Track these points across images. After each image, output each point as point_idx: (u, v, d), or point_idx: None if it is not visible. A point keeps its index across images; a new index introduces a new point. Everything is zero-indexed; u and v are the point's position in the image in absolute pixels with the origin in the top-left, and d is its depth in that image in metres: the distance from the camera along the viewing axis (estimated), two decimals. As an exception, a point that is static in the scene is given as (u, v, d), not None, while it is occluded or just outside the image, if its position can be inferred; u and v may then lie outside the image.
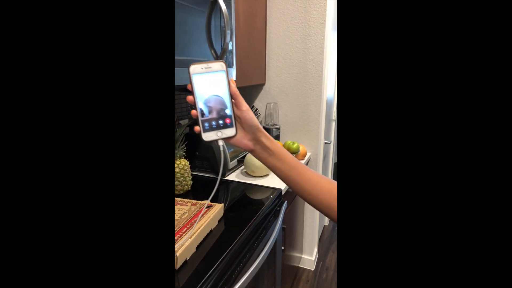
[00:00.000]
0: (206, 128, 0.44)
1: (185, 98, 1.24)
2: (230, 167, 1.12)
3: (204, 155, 1.11)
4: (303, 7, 1.31)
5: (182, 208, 0.76)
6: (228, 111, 0.45)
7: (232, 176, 1.12)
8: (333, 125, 1.96)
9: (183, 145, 0.94)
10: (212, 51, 0.82)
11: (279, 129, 1.43)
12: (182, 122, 1.20)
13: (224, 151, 1.09)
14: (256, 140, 0.47)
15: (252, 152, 0.48)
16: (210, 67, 0.44)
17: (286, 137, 1.48)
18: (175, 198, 0.82)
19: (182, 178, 0.91)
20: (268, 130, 1.40)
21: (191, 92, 0.43)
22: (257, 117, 1.48)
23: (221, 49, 0.85)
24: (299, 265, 1.63)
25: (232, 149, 1.16)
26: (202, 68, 0.43)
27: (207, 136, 0.44)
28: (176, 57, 0.70)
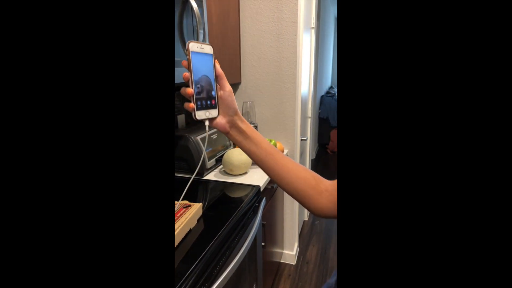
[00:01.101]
0: (199, 106, 0.45)
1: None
2: (208, 166, 1.12)
3: (181, 156, 1.10)
4: (276, 7, 1.33)
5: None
6: (214, 92, 0.47)
7: (211, 176, 1.12)
8: (309, 122, 2.01)
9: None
10: (185, 51, 0.82)
11: (256, 127, 1.45)
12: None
13: (200, 150, 1.08)
14: (233, 123, 0.48)
15: (227, 134, 0.49)
16: (203, 48, 0.45)
17: (264, 134, 1.50)
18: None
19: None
20: (245, 128, 1.41)
21: (188, 69, 0.43)
22: (234, 116, 1.48)
23: (194, 48, 0.85)
24: (281, 261, 1.66)
25: (210, 149, 1.15)
26: (197, 48, 0.44)
27: (199, 115, 0.45)
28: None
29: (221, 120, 0.48)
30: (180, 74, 0.81)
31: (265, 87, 1.45)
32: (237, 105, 0.49)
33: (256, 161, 0.49)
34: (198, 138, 1.09)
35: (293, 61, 1.38)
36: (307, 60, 1.76)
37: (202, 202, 0.89)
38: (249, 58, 1.43)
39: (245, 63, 1.45)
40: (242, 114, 1.44)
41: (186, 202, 0.80)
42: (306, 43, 1.66)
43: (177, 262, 0.61)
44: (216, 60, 0.47)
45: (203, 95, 0.45)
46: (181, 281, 0.55)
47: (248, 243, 0.83)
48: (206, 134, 0.50)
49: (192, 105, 0.44)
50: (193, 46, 0.43)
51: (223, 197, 0.94)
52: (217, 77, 0.47)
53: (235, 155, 1.10)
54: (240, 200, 0.91)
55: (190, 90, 0.44)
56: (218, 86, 0.47)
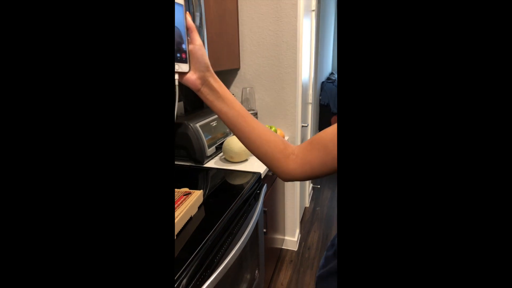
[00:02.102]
0: None
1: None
2: (209, 154, 1.11)
3: (180, 144, 1.08)
4: (275, -12, 1.28)
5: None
6: (184, 46, 0.44)
7: (211, 163, 1.11)
8: (310, 108, 1.99)
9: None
10: None
11: (256, 114, 1.43)
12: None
13: (200, 138, 1.07)
14: (204, 80, 0.46)
15: (198, 92, 0.47)
16: None
17: (264, 121, 1.48)
18: (152, 188, 0.80)
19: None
20: (245, 115, 1.39)
21: None
22: (234, 103, 1.46)
23: (191, 31, 0.82)
24: (282, 247, 1.68)
25: (209, 136, 1.14)
26: None
27: None
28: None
29: (192, 76, 0.45)
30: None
31: (264, 72, 1.42)
32: (209, 61, 0.46)
33: (227, 123, 0.48)
34: (198, 125, 1.07)
35: (293, 45, 1.34)
36: (308, 44, 1.71)
37: (202, 189, 0.89)
38: (248, 43, 1.39)
39: (244, 48, 1.41)
40: (242, 101, 1.42)
41: (186, 189, 0.79)
42: (307, 26, 1.61)
43: (178, 249, 0.60)
44: (187, 13, 0.44)
45: (176, 47, 0.43)
46: (182, 268, 0.55)
47: (249, 230, 0.82)
48: (176, 89, 0.47)
49: None
50: None
51: (224, 184, 0.94)
52: (187, 29, 0.44)
53: (235, 142, 1.08)
54: (241, 187, 0.90)
55: None
56: (188, 39, 0.45)
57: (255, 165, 1.09)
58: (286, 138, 1.44)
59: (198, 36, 0.45)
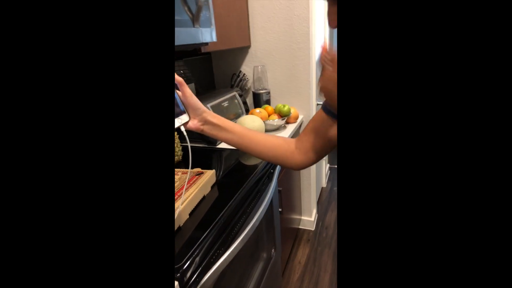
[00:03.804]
0: None
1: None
2: (221, 135, 1.10)
3: (192, 125, 1.07)
4: (284, -44, 1.21)
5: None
6: (178, 101, 0.51)
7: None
8: (325, 86, 1.91)
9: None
10: (186, 8, 0.76)
11: (269, 93, 1.39)
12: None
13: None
14: (205, 120, 0.53)
15: (203, 132, 0.54)
16: None
17: (277, 100, 1.44)
18: (165, 169, 0.80)
19: (171, 149, 0.89)
20: (258, 95, 1.36)
21: None
22: (246, 82, 1.43)
23: (196, 5, 0.79)
24: (299, 227, 1.68)
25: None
26: None
27: (175, 123, 0.49)
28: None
29: (193, 122, 0.52)
30: (181, 36, 0.76)
31: (276, 49, 1.36)
32: (201, 104, 0.53)
33: (235, 146, 0.55)
34: (209, 105, 1.06)
35: (305, 18, 1.27)
36: (321, 16, 1.62)
37: (216, 170, 0.88)
38: (258, 19, 1.33)
39: (254, 25, 1.35)
40: (254, 80, 1.38)
41: (198, 169, 0.79)
42: (320, -3, 1.51)
43: (192, 228, 0.60)
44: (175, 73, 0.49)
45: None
46: (195, 246, 0.55)
47: (263, 209, 0.81)
48: (184, 132, 0.53)
49: None
50: None
51: (237, 164, 0.92)
52: (178, 84, 0.50)
53: (248, 122, 1.06)
54: (254, 167, 0.88)
55: None
56: (180, 93, 0.51)
57: (268, 145, 1.07)
58: (301, 117, 1.40)
59: (187, 87, 0.51)
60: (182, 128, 0.51)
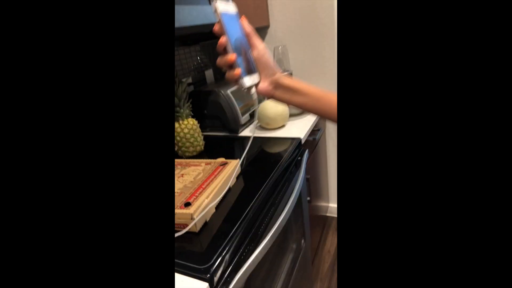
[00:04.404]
0: (244, 73, 0.40)
1: (184, 54, 1.13)
2: (243, 122, 1.04)
3: (213, 114, 1.03)
4: None
5: (196, 169, 0.70)
6: (250, 55, 0.42)
7: (246, 132, 1.05)
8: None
9: (188, 103, 0.86)
10: (214, 13, 0.69)
11: (291, 74, 1.30)
12: (183, 80, 1.10)
13: (232, 105, 1.00)
14: (276, 82, 0.43)
15: (273, 97, 0.45)
16: (228, 7, 0.40)
17: (300, 83, 1.35)
18: (188, 160, 0.76)
19: (192, 138, 0.85)
20: (279, 78, 1.28)
21: (220, 33, 0.39)
22: (266, 66, 1.35)
23: (211, -19, 0.72)
24: (327, 214, 1.62)
25: (242, 103, 1.06)
26: (225, 7, 0.39)
27: (247, 81, 0.40)
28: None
29: (264, 84, 0.43)
30: (194, 15, 0.69)
31: (298, 27, 1.26)
32: (273, 62, 0.44)
33: (311, 111, 0.46)
34: (229, 91, 1.00)
35: (329, -11, 1.16)
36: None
37: (239, 159, 0.83)
38: (277, -5, 1.24)
39: (272, 2, 1.26)
40: (275, 62, 1.30)
41: (222, 159, 0.74)
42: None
43: (219, 222, 0.56)
44: (243, 16, 0.42)
45: (243, 59, 0.40)
46: (225, 242, 0.51)
47: (293, 199, 0.76)
48: (254, 95, 0.44)
49: (238, 71, 0.39)
50: (220, 5, 0.38)
51: (262, 153, 0.87)
52: (247, 35, 0.42)
53: (270, 107, 0.99)
54: (280, 155, 0.83)
55: (231, 57, 0.39)
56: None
57: (293, 131, 1.00)
58: (326, 99, 1.30)
59: (259, 39, 0.43)
60: (253, 91, 0.42)
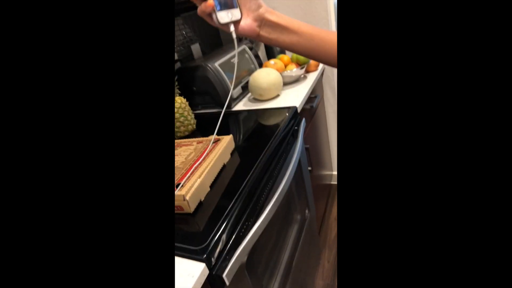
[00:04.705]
0: (219, 6, 0.35)
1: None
2: (235, 95, 0.99)
3: (203, 90, 0.98)
4: None
5: (188, 149, 0.67)
6: None
7: (240, 106, 1.00)
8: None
9: (175, 81, 0.81)
10: None
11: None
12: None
13: (222, 79, 0.94)
14: (261, 19, 0.37)
15: (258, 37, 0.38)
16: None
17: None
18: (179, 141, 0.73)
19: (182, 118, 0.81)
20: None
21: None
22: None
23: None
24: (331, 182, 1.61)
25: (232, 76, 1.01)
26: None
27: (222, 17, 0.35)
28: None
29: (246, 21, 0.37)
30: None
31: None
32: None
33: (303, 52, 0.40)
34: (217, 64, 0.94)
35: None
36: None
37: (234, 135, 0.80)
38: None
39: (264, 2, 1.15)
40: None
41: (215, 136, 0.70)
42: None
43: (214, 202, 0.54)
44: None
45: None
46: (221, 220, 0.48)
47: (291, 170, 0.73)
48: (233, 34, 0.38)
49: (211, 2, 0.34)
50: None
51: (257, 126, 0.83)
52: None
53: (262, 77, 0.94)
54: (276, 126, 0.79)
55: None
56: None
57: (289, 99, 0.95)
58: (320, 66, 1.24)
59: None
60: (232, 29, 0.37)
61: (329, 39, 0.39)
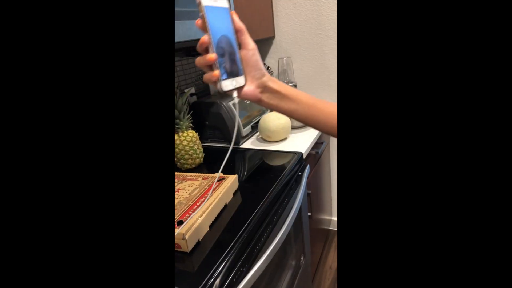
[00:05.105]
0: (223, 75, 0.36)
1: (188, 64, 1.13)
2: (244, 134, 1.03)
3: (214, 124, 1.02)
4: None
5: (193, 184, 0.69)
6: (237, 56, 0.38)
7: (247, 144, 1.03)
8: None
9: (189, 115, 0.85)
10: (198, 6, 0.68)
11: (295, 86, 1.29)
12: (186, 90, 1.10)
13: (234, 117, 0.99)
14: (263, 86, 0.40)
15: (260, 102, 0.41)
16: (217, 0, 0.36)
17: (304, 95, 1.34)
18: (185, 174, 0.75)
19: (192, 151, 0.84)
20: (283, 89, 1.26)
21: (203, 30, 0.35)
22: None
23: (213, -6, 0.71)
24: (330, 227, 1.58)
25: (246, 114, 1.05)
26: (211, 0, 0.35)
27: (226, 85, 0.36)
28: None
29: (250, 87, 0.40)
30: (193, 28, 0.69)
31: (303, 38, 1.26)
32: (262, 64, 0.40)
33: (300, 119, 0.43)
34: (231, 103, 0.99)
35: (334, 2, 1.15)
36: None
37: (239, 173, 0.82)
38: (282, 5, 1.23)
39: (278, 13, 1.25)
40: (278, 73, 1.29)
41: (220, 174, 0.73)
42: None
43: (212, 242, 0.55)
44: (233, 12, 0.38)
45: (226, 60, 0.36)
46: (217, 264, 0.49)
47: (292, 216, 0.74)
48: (236, 107, 0.42)
49: (217, 73, 0.35)
50: None
51: (262, 166, 0.85)
52: (237, 33, 0.38)
53: (272, 120, 0.98)
54: (281, 169, 0.81)
55: (211, 56, 0.35)
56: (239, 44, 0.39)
57: (296, 144, 0.98)
58: (330, 111, 1.29)
59: (249, 38, 0.39)
60: (235, 95, 0.39)
61: (326, 109, 0.42)
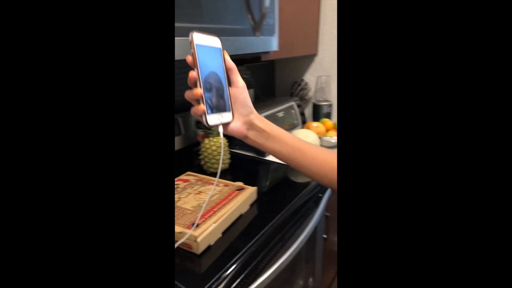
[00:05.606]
0: (210, 110, 0.38)
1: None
2: (272, 146, 1.05)
3: (245, 133, 1.05)
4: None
5: (215, 189, 0.73)
6: (226, 93, 0.40)
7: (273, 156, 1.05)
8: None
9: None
10: (249, 17, 0.73)
11: (330, 105, 1.28)
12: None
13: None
14: (250, 124, 0.41)
15: (245, 139, 0.42)
16: (209, 40, 0.39)
17: (339, 114, 1.32)
18: (209, 177, 0.79)
19: (219, 156, 0.88)
20: (318, 106, 1.27)
21: (192, 66, 0.37)
22: (306, 92, 1.35)
23: (260, 13, 0.75)
24: (347, 253, 1.53)
25: (275, 127, 1.08)
26: (203, 39, 0.38)
27: (211, 120, 0.38)
28: (203, 25, 0.63)
29: (236, 123, 0.41)
30: (240, 45, 0.73)
31: (345, 59, 1.25)
32: (251, 102, 0.42)
33: (283, 160, 0.43)
34: (263, 115, 1.02)
35: (384, 26, 1.12)
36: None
37: (260, 184, 0.84)
38: (330, 24, 1.24)
39: (324, 32, 1.26)
40: (316, 90, 1.29)
41: (240, 184, 0.76)
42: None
43: (222, 248, 0.57)
44: (225, 52, 0.40)
45: (213, 95, 0.38)
46: (223, 270, 0.51)
47: (305, 236, 0.74)
48: (222, 143, 0.48)
49: (203, 107, 0.37)
50: (197, 37, 0.37)
51: (283, 181, 0.87)
52: (227, 71, 0.40)
53: (302, 136, 0.99)
54: (301, 187, 0.81)
55: (198, 91, 0.37)
56: (228, 84, 0.41)
57: (321, 164, 0.98)
58: (364, 135, 1.26)
59: (239, 76, 0.41)
60: (220, 130, 0.40)
61: (309, 153, 0.41)
